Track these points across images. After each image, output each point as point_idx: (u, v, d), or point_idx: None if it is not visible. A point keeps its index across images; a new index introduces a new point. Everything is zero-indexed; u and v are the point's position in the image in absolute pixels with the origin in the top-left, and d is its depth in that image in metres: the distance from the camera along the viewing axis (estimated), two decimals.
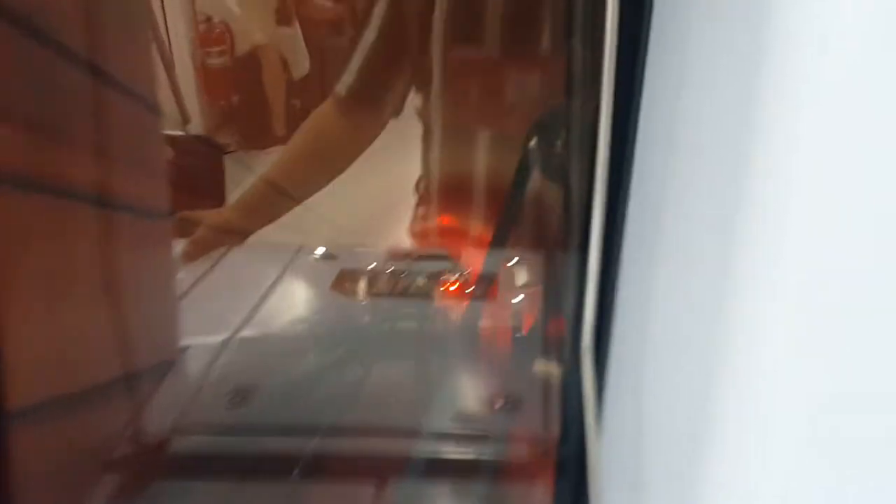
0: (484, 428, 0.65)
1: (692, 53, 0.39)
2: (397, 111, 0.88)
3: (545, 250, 0.62)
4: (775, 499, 0.36)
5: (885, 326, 0.31)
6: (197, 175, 1.12)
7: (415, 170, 0.93)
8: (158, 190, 0.68)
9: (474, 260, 0.85)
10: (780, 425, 0.36)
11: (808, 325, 0.33)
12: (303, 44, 1.72)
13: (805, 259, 0.33)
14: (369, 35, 0.84)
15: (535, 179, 0.58)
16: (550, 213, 0.56)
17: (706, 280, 0.39)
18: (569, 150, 0.48)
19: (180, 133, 1.30)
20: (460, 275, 0.82)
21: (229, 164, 1.29)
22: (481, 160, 0.87)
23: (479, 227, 0.88)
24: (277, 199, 0.89)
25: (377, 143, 0.88)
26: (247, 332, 0.74)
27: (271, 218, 0.90)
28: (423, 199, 0.92)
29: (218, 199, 1.06)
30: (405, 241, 0.90)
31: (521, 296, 0.72)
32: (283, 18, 1.78)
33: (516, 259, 0.75)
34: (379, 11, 0.83)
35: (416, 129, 0.92)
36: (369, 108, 0.87)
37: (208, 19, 1.62)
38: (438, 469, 0.62)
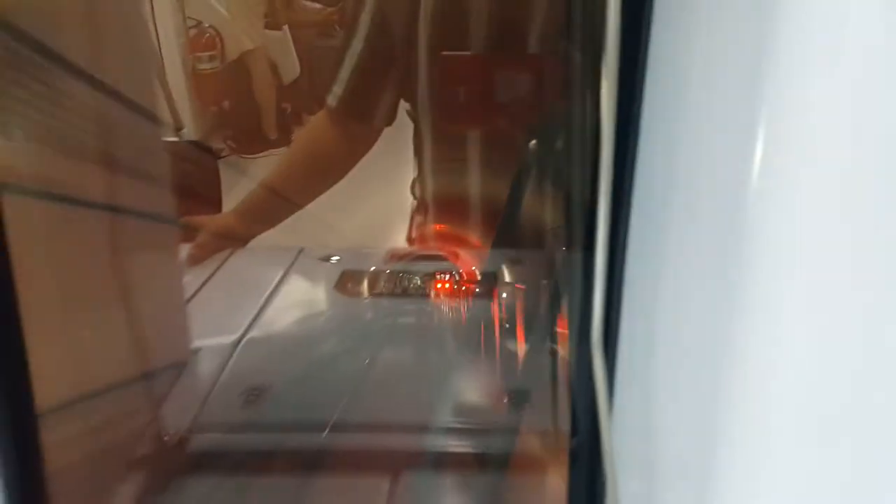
0: (490, 422, 0.66)
1: (696, 49, 0.40)
2: (390, 119, 0.89)
3: (547, 248, 0.63)
4: (786, 486, 0.37)
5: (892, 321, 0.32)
6: (192, 180, 1.12)
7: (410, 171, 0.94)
8: (162, 196, 0.69)
9: (472, 260, 0.86)
10: (788, 413, 0.37)
11: (817, 320, 0.35)
12: (292, 47, 1.72)
13: (814, 256, 0.34)
14: (356, 45, 0.85)
15: (536, 178, 0.59)
16: (552, 212, 0.57)
17: (713, 275, 0.40)
18: (569, 149, 0.49)
19: (174, 139, 1.30)
20: (456, 274, 0.83)
21: (223, 168, 1.29)
22: (474, 161, 0.88)
23: (474, 227, 0.89)
24: (278, 204, 0.90)
25: (377, 146, 0.89)
26: (255, 333, 0.75)
27: (272, 223, 0.91)
28: (419, 201, 0.93)
29: (214, 203, 1.06)
30: (404, 242, 0.91)
31: (521, 293, 0.73)
32: (271, 23, 1.78)
33: (516, 257, 0.76)
34: (365, 20, 0.83)
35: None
36: (361, 117, 0.88)
37: (198, 24, 1.62)
38: (448, 463, 0.64)
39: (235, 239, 0.91)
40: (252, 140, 1.80)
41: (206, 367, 0.70)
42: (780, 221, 0.36)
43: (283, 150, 1.75)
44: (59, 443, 0.50)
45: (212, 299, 0.78)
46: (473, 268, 0.83)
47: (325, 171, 0.90)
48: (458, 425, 0.67)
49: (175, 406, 0.65)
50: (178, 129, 1.44)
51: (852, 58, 0.29)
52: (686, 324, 0.43)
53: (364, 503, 0.61)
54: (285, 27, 1.70)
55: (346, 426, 0.66)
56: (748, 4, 0.35)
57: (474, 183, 0.88)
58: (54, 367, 0.52)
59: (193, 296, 0.76)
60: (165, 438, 0.63)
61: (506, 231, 0.68)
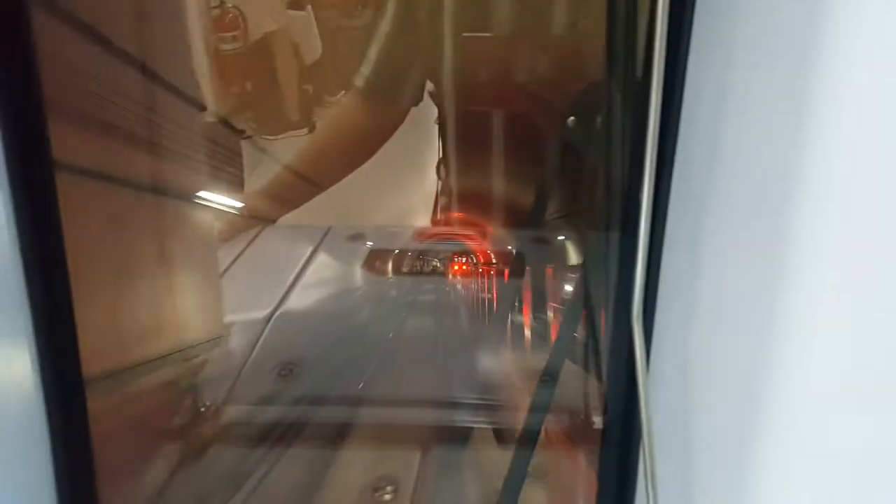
0: (518, 399, 0.67)
1: (740, 33, 0.40)
2: (416, 99, 0.89)
3: (583, 228, 0.63)
4: (825, 465, 0.38)
5: None
6: (216, 160, 1.13)
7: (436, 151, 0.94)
8: (199, 176, 0.70)
9: (498, 240, 0.86)
10: (827, 393, 0.38)
11: (856, 301, 0.35)
12: (315, 28, 1.72)
13: (852, 237, 0.34)
14: (384, 26, 0.85)
15: (573, 157, 0.59)
16: (588, 191, 0.57)
17: (751, 256, 0.41)
18: (609, 128, 0.49)
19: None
20: (482, 254, 0.83)
21: (245, 148, 1.30)
22: (498, 142, 0.88)
23: (500, 207, 0.90)
24: (303, 186, 0.91)
25: (403, 127, 0.90)
26: (286, 309, 0.76)
27: (296, 204, 0.92)
28: (444, 182, 0.94)
29: (236, 182, 1.08)
30: (429, 222, 0.92)
31: (551, 272, 0.74)
32: (294, 3, 1.77)
33: (544, 237, 0.76)
34: (392, 1, 0.84)
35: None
36: (387, 97, 0.88)
37: (221, 4, 1.61)
38: (475, 438, 0.65)
39: (263, 218, 0.92)
40: (273, 121, 1.80)
41: (239, 341, 0.72)
42: (819, 205, 0.36)
43: (304, 131, 1.75)
44: (103, 409, 0.51)
45: (243, 276, 0.80)
46: (499, 247, 0.84)
47: (351, 151, 0.90)
48: (486, 402, 0.68)
49: (212, 378, 0.67)
50: (200, 109, 1.44)
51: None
52: (723, 302, 0.44)
53: (394, 475, 0.62)
54: (308, 7, 1.69)
55: (375, 400, 0.68)
56: None
57: (499, 164, 0.89)
58: (100, 336, 0.53)
59: (226, 271, 0.77)
60: (202, 409, 0.65)
61: (539, 210, 0.68)
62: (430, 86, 0.90)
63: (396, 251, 0.85)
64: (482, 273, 0.81)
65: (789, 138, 0.37)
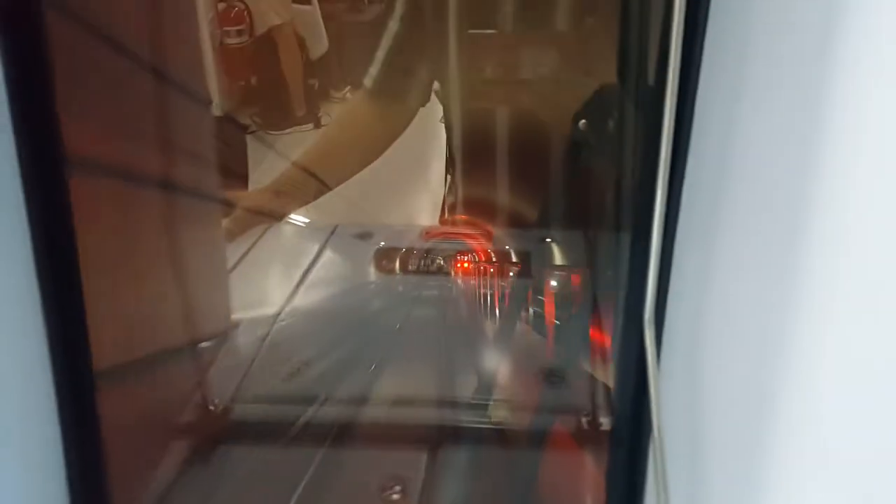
0: (526, 399, 0.67)
1: (754, 32, 0.40)
2: (424, 99, 0.90)
3: (592, 229, 0.63)
4: (836, 467, 0.38)
5: None
6: (220, 155, 1.13)
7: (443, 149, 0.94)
8: (207, 173, 0.70)
9: (506, 240, 0.86)
10: (838, 395, 0.37)
11: (869, 305, 0.35)
12: (321, 23, 1.71)
13: (866, 241, 0.34)
14: (392, 25, 0.85)
15: (584, 159, 0.59)
16: (599, 193, 0.57)
17: (763, 259, 0.41)
18: (621, 131, 0.49)
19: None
20: (491, 253, 0.83)
21: (252, 146, 1.30)
22: (503, 142, 0.89)
23: (508, 207, 0.90)
24: (310, 184, 0.91)
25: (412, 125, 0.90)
26: (294, 307, 0.77)
27: (303, 201, 0.92)
28: (452, 181, 0.94)
29: (241, 178, 1.08)
30: (437, 219, 0.92)
31: (560, 273, 0.74)
32: None
33: (554, 237, 0.76)
34: (401, 1, 0.84)
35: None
36: (396, 98, 0.88)
37: None
38: (483, 438, 0.65)
39: (267, 215, 0.92)
40: (279, 116, 1.80)
41: (247, 339, 0.72)
42: (833, 207, 0.36)
43: (309, 126, 1.75)
44: (113, 405, 0.52)
45: (250, 274, 0.80)
46: (507, 247, 0.84)
47: (359, 151, 0.91)
48: (492, 402, 0.68)
49: (220, 376, 0.67)
50: (206, 104, 1.44)
51: None
52: (735, 304, 0.44)
53: (401, 475, 0.62)
54: (315, 1, 1.68)
55: (382, 399, 0.68)
56: None
57: (506, 163, 0.89)
58: (110, 331, 0.54)
59: (233, 269, 0.78)
60: (211, 407, 0.65)
61: (547, 209, 0.68)
62: (436, 85, 0.90)
63: (403, 250, 0.85)
64: (489, 273, 0.81)
65: (803, 139, 0.37)
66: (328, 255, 0.88)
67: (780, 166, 0.39)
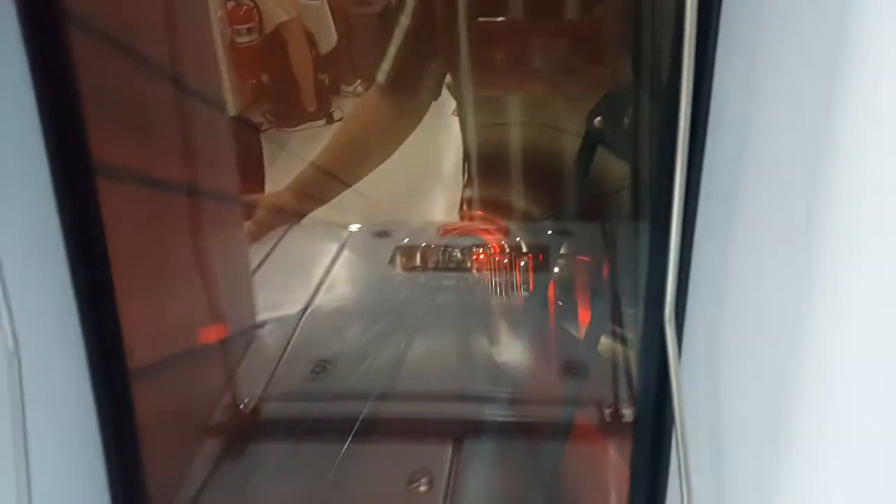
0: (549, 392, 0.68)
1: (768, 22, 0.40)
2: (437, 93, 0.90)
3: (610, 223, 0.64)
4: (857, 459, 0.38)
5: None
6: (237, 156, 1.15)
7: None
8: (228, 176, 0.72)
9: (523, 233, 0.87)
10: (859, 385, 0.38)
11: (891, 297, 0.35)
12: (329, 18, 1.72)
13: (889, 239, 0.34)
14: (404, 20, 0.85)
15: (600, 155, 0.60)
16: (616, 188, 0.58)
17: (783, 253, 0.41)
18: (636, 127, 0.49)
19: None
20: (509, 247, 0.84)
21: (268, 147, 1.32)
22: (517, 135, 0.89)
23: (523, 200, 0.90)
24: (328, 182, 0.92)
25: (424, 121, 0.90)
26: (316, 306, 0.78)
27: (322, 200, 0.93)
28: (468, 176, 0.95)
29: (257, 178, 1.09)
30: (454, 216, 0.93)
31: (577, 266, 0.75)
32: None
33: (568, 230, 0.77)
34: None
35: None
36: (409, 92, 0.89)
37: None
38: (507, 432, 0.66)
39: (288, 215, 0.93)
40: (291, 113, 1.81)
41: (272, 339, 0.74)
42: (854, 198, 0.36)
43: (322, 122, 1.75)
44: (147, 404, 0.54)
45: (272, 275, 0.82)
46: (526, 241, 0.84)
47: (375, 146, 0.91)
48: (515, 395, 0.69)
49: (247, 375, 0.69)
50: (221, 106, 1.45)
51: None
52: (756, 297, 0.44)
53: (428, 467, 0.64)
54: None
55: (407, 395, 0.69)
56: None
57: (519, 158, 0.89)
58: (142, 332, 0.55)
59: (256, 269, 0.79)
60: (241, 406, 0.67)
61: (566, 202, 0.69)
62: (448, 78, 0.91)
63: (422, 246, 0.86)
64: (509, 266, 0.81)
65: (822, 128, 0.37)
66: (347, 254, 0.89)
67: (799, 157, 0.39)
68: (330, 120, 1.66)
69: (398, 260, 0.84)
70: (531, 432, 0.65)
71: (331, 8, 1.82)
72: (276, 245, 0.85)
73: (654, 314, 0.46)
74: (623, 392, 0.59)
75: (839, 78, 0.35)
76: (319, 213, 0.90)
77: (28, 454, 0.43)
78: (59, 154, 0.45)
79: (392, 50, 0.86)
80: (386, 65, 0.86)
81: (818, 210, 0.38)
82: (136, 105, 0.55)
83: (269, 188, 0.97)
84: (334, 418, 0.67)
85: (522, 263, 0.80)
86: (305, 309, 0.78)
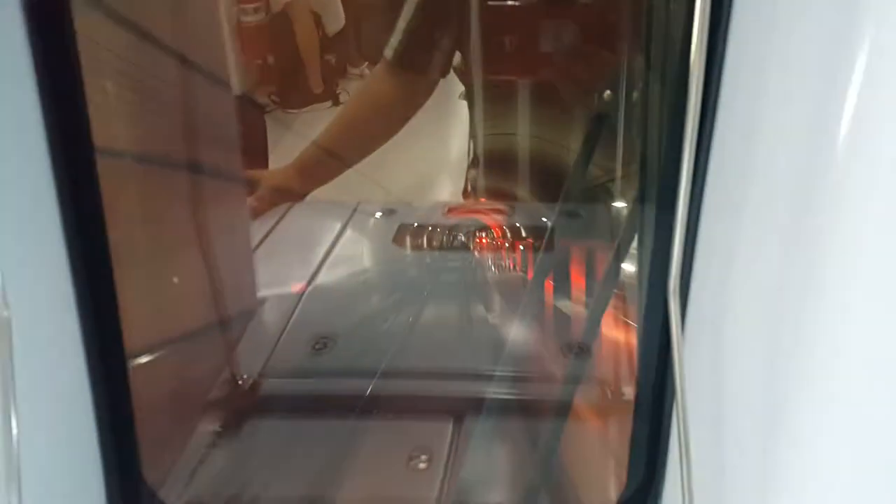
0: (550, 371, 0.68)
1: (782, 3, 0.39)
2: (445, 71, 0.89)
3: (616, 200, 0.63)
4: (859, 437, 0.38)
5: None
6: (241, 135, 1.15)
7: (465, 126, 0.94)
8: (231, 154, 0.72)
9: (528, 213, 0.86)
10: (861, 366, 0.38)
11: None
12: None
13: (889, 228, 0.34)
14: None
15: (608, 131, 0.59)
16: (624, 165, 0.57)
17: (790, 231, 0.40)
18: (646, 102, 0.49)
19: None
20: (513, 228, 0.83)
21: (268, 122, 1.31)
22: (525, 116, 0.88)
23: (529, 181, 0.90)
24: (332, 162, 0.91)
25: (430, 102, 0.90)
26: (318, 283, 0.78)
27: (326, 179, 0.93)
28: (474, 156, 0.94)
29: (261, 157, 1.09)
30: (459, 196, 0.92)
31: (581, 245, 0.74)
32: None
33: (574, 210, 0.76)
34: None
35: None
36: (417, 69, 0.88)
37: None
38: (507, 410, 0.66)
39: (292, 194, 0.93)
40: (297, 94, 1.80)
41: (273, 315, 0.74)
42: (863, 179, 0.36)
43: (328, 104, 1.74)
44: (143, 383, 0.53)
45: (275, 252, 0.81)
46: (530, 221, 0.84)
47: (381, 124, 0.91)
48: (517, 374, 0.69)
49: (247, 351, 0.69)
50: (226, 85, 1.45)
51: None
52: (760, 277, 0.44)
53: (428, 445, 0.64)
54: None
55: (407, 372, 0.69)
56: None
57: (527, 138, 0.88)
58: (141, 311, 0.55)
59: (258, 246, 0.79)
60: (240, 382, 0.67)
61: (571, 182, 0.68)
62: (456, 58, 0.90)
63: (427, 226, 0.86)
64: (512, 246, 0.81)
65: (833, 109, 0.36)
66: (350, 232, 0.89)
67: (809, 138, 0.39)
68: (336, 102, 1.65)
69: (401, 239, 0.84)
70: (532, 410, 0.65)
71: None
72: (278, 222, 0.85)
73: (657, 286, 0.45)
74: (624, 370, 0.59)
75: (856, 60, 0.34)
76: (323, 191, 0.90)
77: (20, 433, 0.42)
78: (57, 128, 0.45)
79: (401, 24, 0.85)
80: (394, 39, 0.85)
81: (827, 188, 0.37)
82: (137, 81, 0.55)
83: (272, 165, 0.97)
84: (334, 395, 0.67)
85: (525, 245, 0.79)
86: (306, 287, 0.78)
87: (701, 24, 0.38)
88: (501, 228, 0.84)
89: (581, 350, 0.62)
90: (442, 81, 0.90)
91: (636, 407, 0.51)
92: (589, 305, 0.66)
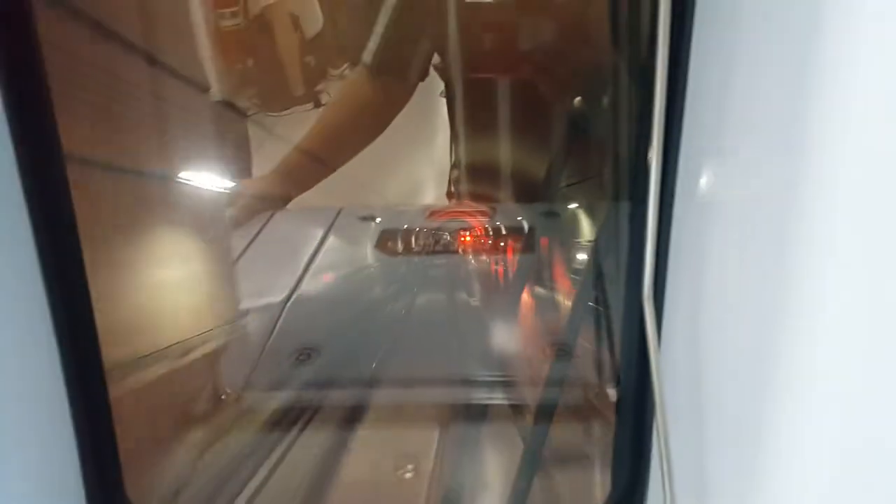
0: (532, 374, 0.67)
1: (745, 3, 0.39)
2: (423, 74, 0.88)
3: (593, 203, 0.63)
4: (835, 436, 0.38)
5: None
6: (222, 142, 1.13)
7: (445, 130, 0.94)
8: (210, 162, 0.71)
9: (508, 215, 0.86)
10: (835, 365, 0.38)
11: (866, 281, 0.35)
12: (315, 0, 1.68)
13: (865, 220, 0.34)
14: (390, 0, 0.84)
15: (582, 135, 0.59)
16: (598, 167, 0.57)
17: (762, 233, 0.40)
18: (615, 107, 0.49)
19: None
20: (493, 229, 0.83)
21: (251, 128, 1.30)
22: (504, 118, 0.87)
23: (508, 183, 0.89)
24: (314, 167, 0.91)
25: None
26: (302, 292, 0.77)
27: (308, 185, 0.92)
28: (455, 159, 0.93)
29: (244, 163, 1.08)
30: (440, 199, 0.92)
31: (560, 247, 0.74)
32: None
33: (553, 211, 0.76)
34: None
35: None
36: (396, 71, 0.87)
37: None
38: (492, 414, 0.66)
39: (273, 201, 0.92)
40: (277, 97, 1.78)
41: (256, 327, 0.73)
42: (831, 180, 0.36)
43: (309, 106, 1.73)
44: (124, 396, 0.53)
45: (257, 261, 0.81)
46: (510, 222, 0.83)
47: (361, 128, 0.90)
48: (501, 378, 0.69)
49: (230, 364, 0.68)
50: (204, 91, 1.43)
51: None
52: (733, 278, 0.44)
53: (414, 452, 0.63)
54: None
55: (392, 380, 0.69)
56: None
57: (507, 137, 0.88)
58: (119, 325, 0.54)
59: (239, 257, 0.78)
60: (223, 397, 0.67)
61: (550, 183, 0.68)
62: (435, 59, 0.89)
63: (408, 230, 0.85)
64: (493, 249, 0.81)
65: (799, 109, 0.36)
66: (334, 238, 0.88)
67: (777, 138, 0.39)
68: (317, 104, 1.63)
69: (385, 244, 0.84)
70: (516, 415, 0.65)
71: None
72: (259, 231, 0.84)
73: (633, 292, 0.45)
74: (608, 373, 0.59)
75: (817, 56, 0.34)
76: (305, 196, 0.89)
77: None
78: (25, 139, 0.44)
79: (378, 29, 0.84)
80: (372, 44, 0.85)
81: (795, 190, 0.37)
82: (107, 88, 0.54)
83: (256, 172, 0.96)
84: (318, 406, 0.67)
85: (507, 245, 0.79)
86: (289, 297, 0.77)
87: (664, 28, 0.38)
88: (483, 229, 0.83)
89: (563, 353, 0.62)
90: (422, 85, 0.90)
91: (619, 409, 0.51)
92: (570, 308, 0.66)
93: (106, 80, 0.54)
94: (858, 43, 0.33)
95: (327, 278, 0.82)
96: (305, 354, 0.71)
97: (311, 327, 0.75)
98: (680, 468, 0.45)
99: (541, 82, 0.82)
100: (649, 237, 0.41)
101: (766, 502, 0.41)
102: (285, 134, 1.14)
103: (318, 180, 0.92)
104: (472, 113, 0.90)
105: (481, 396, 0.66)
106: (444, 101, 0.93)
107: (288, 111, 1.81)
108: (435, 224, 0.84)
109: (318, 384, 0.69)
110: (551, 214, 0.75)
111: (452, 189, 0.91)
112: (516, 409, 0.65)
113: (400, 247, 0.83)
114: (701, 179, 0.44)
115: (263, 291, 0.79)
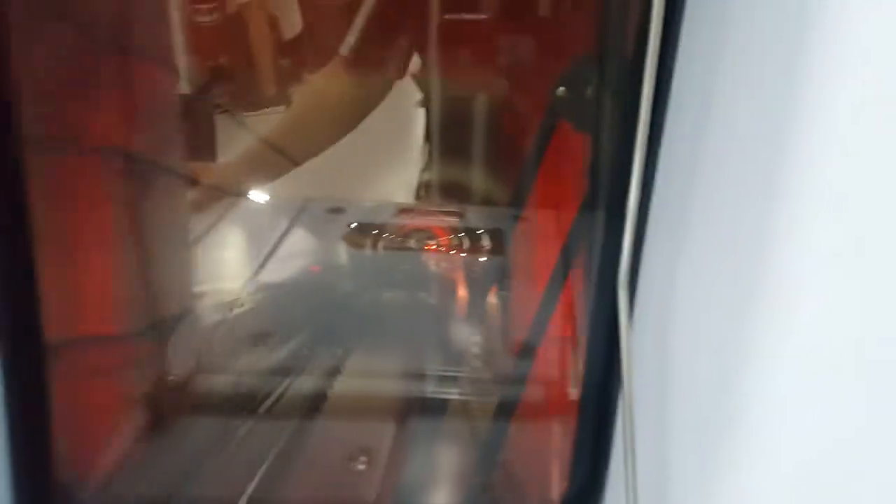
0: (496, 371, 0.67)
1: (733, 11, 0.40)
2: (401, 72, 0.89)
3: (570, 198, 0.64)
4: (803, 435, 0.38)
5: None
6: (188, 132, 1.11)
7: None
8: (172, 146, 0.69)
9: (480, 216, 0.86)
10: (805, 363, 0.38)
11: (839, 275, 0.35)
12: (294, 1, 1.68)
13: (842, 222, 0.35)
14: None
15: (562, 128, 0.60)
16: (577, 162, 0.57)
17: (737, 227, 0.41)
18: (599, 99, 0.49)
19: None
20: (463, 230, 0.83)
21: (223, 121, 1.27)
22: (481, 120, 0.88)
23: (482, 184, 0.90)
24: (277, 158, 0.89)
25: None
26: (260, 282, 0.76)
27: (269, 178, 0.90)
28: (428, 158, 0.93)
29: (208, 155, 1.05)
30: (411, 194, 0.91)
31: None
32: None
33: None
34: None
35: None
36: (373, 68, 0.87)
37: None
38: (451, 411, 0.65)
39: (239, 187, 0.90)
40: (249, 96, 1.76)
41: (211, 311, 0.71)
42: (809, 184, 0.37)
43: (281, 108, 1.71)
44: (64, 378, 0.50)
45: (216, 248, 0.78)
46: (479, 224, 0.84)
47: (332, 124, 0.89)
48: (461, 374, 0.68)
49: (181, 348, 0.66)
50: (171, 76, 1.40)
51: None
52: (709, 272, 0.44)
53: (369, 446, 0.62)
54: None
55: (350, 371, 0.67)
56: None
57: (480, 141, 0.88)
58: (65, 303, 0.52)
59: (197, 242, 0.76)
60: (170, 378, 0.64)
61: (521, 186, 0.68)
62: (413, 66, 0.89)
63: (376, 225, 0.85)
64: (461, 248, 0.81)
65: (781, 117, 0.37)
66: (298, 230, 0.87)
67: (757, 142, 0.40)
68: (289, 106, 1.62)
69: (351, 237, 0.82)
70: (475, 411, 0.64)
71: None
72: (220, 218, 0.82)
73: (606, 280, 0.45)
74: (569, 371, 0.59)
75: (803, 65, 0.35)
76: (270, 186, 0.87)
77: None
78: None
79: (358, 22, 0.84)
80: (351, 37, 0.84)
81: (772, 188, 0.38)
82: (68, 70, 0.52)
83: (219, 162, 0.94)
84: (271, 394, 0.65)
85: (474, 245, 0.79)
86: (247, 283, 0.75)
87: (656, 27, 0.39)
88: (450, 232, 0.83)
89: (526, 349, 0.61)
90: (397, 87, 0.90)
91: (581, 405, 0.51)
92: (535, 306, 0.66)
93: (67, 62, 0.53)
94: (847, 45, 0.34)
95: (290, 267, 0.80)
96: (261, 341, 0.68)
97: (269, 315, 0.73)
98: (643, 463, 0.44)
99: (518, 93, 0.83)
100: (628, 224, 0.42)
101: (732, 498, 0.41)
102: (255, 128, 1.12)
103: (281, 173, 0.90)
104: (446, 115, 0.90)
105: (440, 391, 0.65)
106: (420, 105, 0.93)
107: (258, 112, 1.78)
108: (403, 220, 0.83)
109: (272, 372, 0.67)
110: (521, 217, 0.76)
111: (422, 190, 0.91)
112: (474, 405, 0.64)
113: (366, 242, 0.82)
114: (680, 173, 0.44)
115: (221, 277, 0.76)
